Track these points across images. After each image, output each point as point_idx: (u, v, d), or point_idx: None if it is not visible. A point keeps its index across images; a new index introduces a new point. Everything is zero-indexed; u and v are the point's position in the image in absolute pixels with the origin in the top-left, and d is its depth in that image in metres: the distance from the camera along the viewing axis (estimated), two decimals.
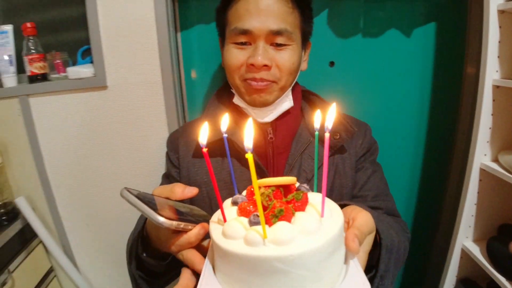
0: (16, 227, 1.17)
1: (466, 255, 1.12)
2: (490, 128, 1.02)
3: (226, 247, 0.43)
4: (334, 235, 0.43)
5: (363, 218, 0.55)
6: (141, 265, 0.70)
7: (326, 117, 0.50)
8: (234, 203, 0.51)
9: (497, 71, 0.99)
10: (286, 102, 0.86)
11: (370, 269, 0.61)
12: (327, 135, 0.48)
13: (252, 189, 0.52)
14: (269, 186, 0.49)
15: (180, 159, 0.92)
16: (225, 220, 0.48)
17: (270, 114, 0.85)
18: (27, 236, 1.21)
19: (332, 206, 0.50)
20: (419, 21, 1.15)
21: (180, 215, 0.54)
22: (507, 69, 0.99)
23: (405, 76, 1.21)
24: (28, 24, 1.10)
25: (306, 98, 0.96)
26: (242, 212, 0.48)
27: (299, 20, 0.81)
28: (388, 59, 1.19)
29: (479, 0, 1.01)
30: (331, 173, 0.87)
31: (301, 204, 0.48)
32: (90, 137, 1.19)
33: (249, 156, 0.41)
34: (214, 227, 0.48)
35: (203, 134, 0.51)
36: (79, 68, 1.14)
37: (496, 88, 0.99)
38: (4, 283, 1.06)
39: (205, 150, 0.48)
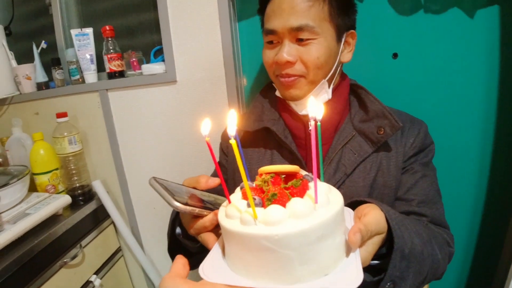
0: (91, 207, 1.31)
1: None
2: None
3: (225, 225, 0.49)
4: (324, 220, 0.45)
5: (374, 217, 0.56)
6: (179, 246, 0.78)
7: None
8: (241, 188, 0.56)
9: None
10: (323, 95, 0.85)
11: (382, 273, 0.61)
12: (312, 123, 0.50)
13: (260, 176, 0.55)
14: (270, 173, 0.54)
15: (228, 148, 0.99)
16: (229, 203, 0.53)
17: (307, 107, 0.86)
18: (100, 216, 1.34)
19: (334, 195, 0.52)
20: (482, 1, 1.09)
21: (203, 203, 0.60)
22: None
23: (469, 67, 1.14)
24: (107, 27, 1.24)
25: (354, 92, 0.93)
26: (244, 196, 0.52)
27: (327, 13, 0.79)
28: (451, 47, 1.14)
29: None
30: (374, 170, 0.83)
31: (299, 191, 0.51)
32: (160, 127, 1.30)
33: (233, 143, 0.47)
34: (221, 209, 0.54)
35: (204, 126, 0.56)
36: (152, 65, 1.26)
37: None
38: (75, 256, 1.18)
39: (207, 139, 0.54)
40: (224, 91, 1.23)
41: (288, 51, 0.79)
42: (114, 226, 1.39)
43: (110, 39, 1.24)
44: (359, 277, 0.45)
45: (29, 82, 1.37)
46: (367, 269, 0.57)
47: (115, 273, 1.39)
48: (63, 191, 1.29)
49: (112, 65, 1.26)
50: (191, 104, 1.27)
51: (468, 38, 1.13)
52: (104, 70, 1.30)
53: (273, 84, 0.91)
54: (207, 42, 1.20)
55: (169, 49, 1.22)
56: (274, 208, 0.46)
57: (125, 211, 1.40)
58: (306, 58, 0.79)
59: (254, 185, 0.54)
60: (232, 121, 0.52)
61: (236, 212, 0.49)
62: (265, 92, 0.99)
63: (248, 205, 0.49)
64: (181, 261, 0.50)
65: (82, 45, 1.26)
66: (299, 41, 0.79)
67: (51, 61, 1.33)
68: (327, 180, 0.76)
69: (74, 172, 1.28)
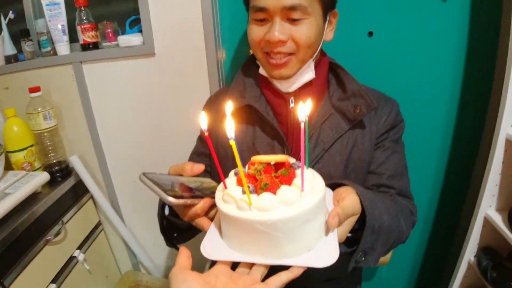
0: (69, 183, 1.30)
1: (488, 224, 1.17)
2: None
3: (223, 210, 0.56)
4: (309, 207, 0.54)
5: (350, 201, 0.65)
6: (170, 225, 0.83)
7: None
8: (236, 174, 0.63)
9: None
10: (308, 74, 0.88)
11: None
12: (302, 125, 0.56)
13: (252, 164, 0.63)
14: (262, 163, 0.61)
15: (210, 123, 0.99)
16: (226, 188, 0.60)
17: (293, 85, 0.87)
18: (79, 192, 1.34)
19: (317, 183, 0.60)
20: None
21: (190, 191, 0.65)
22: None
23: (440, 46, 1.22)
24: None
25: (332, 70, 0.96)
26: (239, 182, 0.59)
27: None
28: (423, 28, 1.20)
29: None
30: (349, 145, 0.89)
31: (288, 179, 0.58)
32: (139, 100, 1.29)
33: (232, 143, 0.53)
34: (218, 194, 0.60)
35: (203, 121, 0.61)
36: (129, 36, 1.22)
37: None
38: (58, 233, 1.19)
39: (206, 134, 0.60)
40: (204, 64, 1.23)
41: (280, 29, 0.79)
42: (93, 200, 1.39)
43: (83, 8, 1.19)
44: (336, 253, 0.55)
45: None
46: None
47: (97, 247, 1.41)
48: (39, 168, 1.27)
49: (86, 36, 1.22)
50: (171, 77, 1.26)
51: (441, 19, 1.19)
52: (76, 41, 1.25)
53: (256, 61, 0.91)
54: (187, 13, 1.18)
55: (146, 20, 1.19)
56: (267, 196, 0.54)
57: (103, 185, 1.40)
58: (298, 37, 0.80)
59: (247, 171, 0.61)
60: (229, 124, 0.55)
61: (232, 198, 0.56)
62: (246, 68, 0.99)
63: (243, 192, 0.56)
64: (185, 253, 0.55)
65: (53, 15, 1.20)
66: (292, 20, 0.79)
67: (20, 33, 1.26)
68: (308, 155, 0.80)
69: (50, 148, 1.25)
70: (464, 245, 1.26)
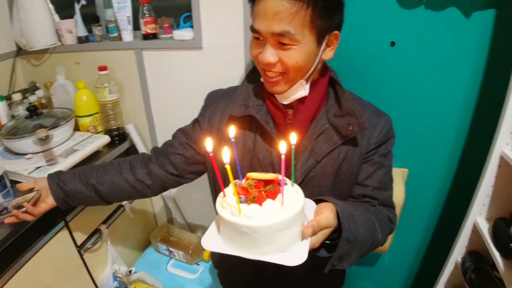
0: (124, 146, 1.57)
1: (476, 230, 1.29)
2: None
3: (220, 213, 0.74)
4: (286, 218, 0.69)
5: (326, 216, 0.80)
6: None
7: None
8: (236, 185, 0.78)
9: None
10: (300, 91, 0.94)
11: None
12: (283, 157, 0.72)
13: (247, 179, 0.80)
14: (254, 179, 0.77)
15: (213, 122, 1.05)
16: (224, 196, 0.77)
17: (288, 98, 0.95)
18: (131, 153, 1.61)
19: (297, 199, 0.75)
20: (480, 4, 1.20)
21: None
22: None
23: (459, 60, 1.30)
24: None
25: (332, 85, 1.01)
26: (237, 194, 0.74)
27: (309, 20, 0.82)
28: (445, 42, 1.28)
29: None
30: (340, 158, 0.96)
31: (273, 194, 0.74)
32: (186, 85, 1.52)
33: (228, 168, 0.70)
34: (218, 200, 0.77)
35: (208, 144, 0.75)
36: (182, 31, 1.43)
37: None
38: None
39: (211, 155, 0.74)
40: (242, 60, 1.42)
41: (269, 53, 0.86)
42: None
43: (146, 4, 1.41)
44: (305, 256, 0.71)
45: (70, 35, 1.56)
46: (324, 247, 0.88)
47: (141, 201, 1.72)
48: (101, 131, 1.55)
49: (147, 28, 1.45)
50: (213, 68, 1.46)
51: (462, 38, 1.26)
52: (138, 28, 1.48)
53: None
54: (231, 14, 1.35)
55: (197, 17, 1.38)
56: (253, 207, 0.71)
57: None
58: (286, 62, 0.86)
59: (243, 183, 0.79)
60: (226, 154, 0.73)
61: (227, 205, 0.74)
62: (251, 75, 1.04)
63: (240, 202, 0.72)
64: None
65: (121, 7, 1.44)
66: (281, 44, 0.85)
67: (91, 18, 1.53)
68: (301, 166, 0.96)
69: (111, 116, 1.53)
70: (453, 247, 1.38)
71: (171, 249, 1.67)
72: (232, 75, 1.46)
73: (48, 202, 1.07)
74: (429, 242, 1.69)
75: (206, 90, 1.47)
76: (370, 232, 0.91)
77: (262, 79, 0.98)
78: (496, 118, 1.30)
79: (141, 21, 1.44)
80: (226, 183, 0.79)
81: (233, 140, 0.81)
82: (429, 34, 1.29)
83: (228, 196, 0.75)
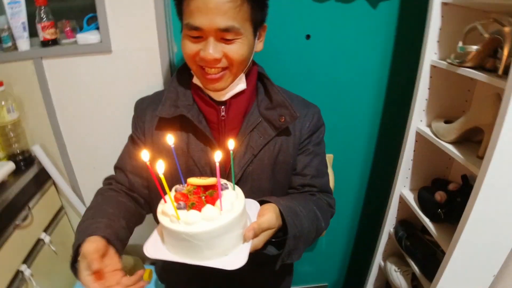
0: (33, 170, 1.38)
1: (403, 201, 1.40)
2: (426, 99, 1.26)
3: (161, 220, 0.73)
4: (224, 223, 0.70)
5: (267, 218, 0.82)
6: None
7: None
8: (176, 190, 0.79)
9: (435, 53, 1.21)
10: (240, 85, 0.95)
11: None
12: (217, 164, 0.73)
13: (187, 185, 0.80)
14: (194, 185, 0.77)
15: (145, 128, 1.01)
16: (165, 202, 0.76)
17: (226, 95, 0.95)
18: (41, 179, 1.43)
19: (238, 203, 0.75)
20: None
21: None
22: (443, 52, 1.21)
23: (370, 48, 1.40)
24: None
25: (261, 79, 1.03)
26: (176, 199, 0.74)
27: (249, 13, 0.84)
28: (355, 32, 1.37)
29: None
30: (276, 150, 0.99)
31: (213, 199, 0.74)
32: (97, 94, 1.38)
33: (162, 178, 0.68)
34: (159, 207, 0.76)
35: (144, 155, 0.73)
36: (87, 35, 1.30)
37: (433, 67, 1.22)
38: (25, 218, 1.27)
39: (147, 163, 0.73)
40: (158, 62, 1.35)
41: (214, 49, 0.84)
42: (55, 186, 1.49)
43: (43, 7, 1.25)
44: (245, 258, 0.72)
45: None
46: (273, 244, 0.89)
47: (61, 229, 1.51)
48: (3, 157, 1.34)
49: (46, 34, 1.29)
50: (126, 73, 1.36)
51: (371, 28, 1.36)
52: (36, 34, 1.31)
53: (191, 71, 0.97)
54: (141, 13, 1.27)
55: (103, 18, 1.27)
56: (192, 213, 0.70)
57: (65, 172, 1.49)
58: (232, 55, 0.86)
59: (184, 188, 0.78)
60: (160, 167, 0.70)
61: (167, 212, 0.73)
62: (180, 75, 1.02)
63: (178, 208, 0.72)
64: None
65: (14, 13, 1.25)
66: (225, 40, 0.85)
67: None
68: (239, 160, 0.97)
69: (13, 139, 1.33)
70: (384, 219, 1.48)
71: None
72: (147, 79, 1.38)
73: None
74: (359, 219, 1.79)
75: (120, 98, 1.40)
76: (314, 223, 0.95)
77: (195, 80, 0.97)
78: (405, 99, 1.42)
79: (39, 26, 1.28)
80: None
81: (172, 146, 0.80)
82: (341, 25, 1.37)
83: (168, 203, 0.74)
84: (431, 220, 1.24)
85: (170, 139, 0.80)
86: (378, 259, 1.56)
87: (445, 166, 1.40)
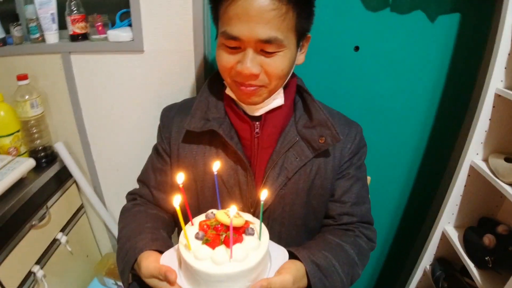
0: (54, 168, 1.33)
1: (445, 238, 1.27)
2: (486, 131, 1.12)
3: (179, 239, 0.70)
4: (230, 272, 0.64)
5: (282, 278, 0.71)
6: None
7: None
8: (206, 216, 0.77)
9: (501, 81, 1.07)
10: (277, 100, 0.86)
11: None
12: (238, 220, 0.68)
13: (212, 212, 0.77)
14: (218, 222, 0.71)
15: (171, 140, 0.94)
16: (192, 225, 0.74)
17: (260, 109, 0.86)
18: (62, 177, 1.38)
19: (255, 255, 0.67)
20: (445, 8, 1.17)
21: None
22: (510, 80, 1.06)
23: (422, 65, 1.26)
24: None
25: (299, 93, 0.94)
26: (200, 226, 0.73)
27: (294, 22, 0.75)
28: (409, 46, 1.23)
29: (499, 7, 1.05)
30: (313, 173, 0.89)
31: (234, 240, 0.68)
32: (125, 94, 1.31)
33: (178, 211, 0.65)
34: (187, 226, 0.73)
35: (180, 178, 0.72)
36: (119, 31, 1.22)
37: (497, 96, 1.07)
38: (42, 218, 1.23)
39: (180, 186, 0.71)
40: (192, 66, 1.25)
41: (253, 62, 0.75)
42: (77, 185, 1.44)
43: None
44: None
45: None
46: None
47: (79, 229, 1.47)
48: (25, 153, 1.30)
49: (76, 27, 1.22)
50: (158, 75, 1.27)
51: (426, 43, 1.22)
52: (65, 28, 1.24)
53: (224, 81, 0.88)
54: (178, 12, 1.17)
55: (137, 15, 1.18)
56: (203, 249, 0.66)
57: (87, 171, 1.44)
58: (271, 70, 0.77)
59: (213, 215, 0.73)
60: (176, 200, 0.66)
61: (183, 240, 0.69)
62: (212, 84, 0.94)
63: (196, 236, 0.69)
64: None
65: (43, 2, 1.19)
66: (264, 52, 0.75)
67: (9, 17, 1.25)
68: (272, 184, 0.87)
69: (36, 134, 1.28)
70: (421, 254, 1.36)
71: (119, 283, 1.46)
72: (180, 84, 1.28)
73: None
74: (388, 251, 1.66)
75: (149, 101, 1.31)
76: (349, 274, 0.86)
77: (228, 91, 0.88)
78: (458, 125, 1.29)
79: (68, 19, 1.20)
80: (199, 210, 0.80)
81: (215, 173, 0.78)
82: (394, 38, 1.23)
83: (191, 228, 0.73)
84: (477, 266, 1.11)
85: (216, 165, 0.77)
86: None
87: (495, 204, 1.26)
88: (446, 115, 1.32)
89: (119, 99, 1.32)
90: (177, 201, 0.65)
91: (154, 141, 1.02)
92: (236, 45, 0.76)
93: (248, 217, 0.77)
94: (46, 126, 1.33)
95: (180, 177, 0.72)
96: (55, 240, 1.31)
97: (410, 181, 1.47)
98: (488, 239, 1.11)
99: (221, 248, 0.66)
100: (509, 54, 1.04)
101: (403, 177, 1.46)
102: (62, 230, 1.35)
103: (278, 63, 0.77)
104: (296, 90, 0.93)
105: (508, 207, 1.22)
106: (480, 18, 1.16)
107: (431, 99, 1.31)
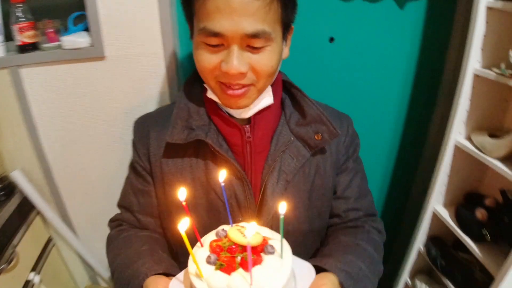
0: (15, 201, 1.15)
1: (436, 218, 1.31)
2: (467, 110, 1.15)
3: (188, 265, 0.62)
4: None
5: None
6: None
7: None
8: (217, 234, 0.67)
9: (478, 62, 1.09)
10: (266, 98, 0.81)
11: None
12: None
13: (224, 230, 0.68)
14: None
15: (151, 156, 0.85)
16: (202, 246, 0.66)
17: (249, 111, 0.80)
18: (24, 209, 1.20)
19: (277, 277, 0.58)
20: None
21: None
22: (487, 61, 1.09)
23: (393, 52, 1.27)
24: None
25: (287, 90, 0.89)
26: (211, 247, 0.64)
27: (279, 13, 0.70)
28: (381, 34, 1.24)
29: None
30: (312, 173, 0.85)
31: (252, 262, 0.59)
32: (88, 108, 1.17)
33: (184, 236, 0.55)
34: (195, 249, 0.64)
35: (181, 194, 0.63)
36: (74, 37, 1.08)
37: (476, 76, 1.10)
38: (11, 259, 1.05)
39: (184, 203, 0.63)
40: (162, 70, 1.15)
41: (239, 60, 0.69)
42: (41, 216, 1.27)
43: (19, 4, 1.02)
44: None
45: None
46: None
47: (52, 265, 1.29)
48: None
49: (24, 37, 1.05)
50: (124, 83, 1.15)
51: (397, 29, 1.23)
52: (11, 38, 1.07)
53: (204, 84, 0.82)
54: (141, 9, 1.06)
55: (94, 17, 1.05)
56: (217, 276, 0.58)
57: (52, 199, 1.27)
58: (260, 68, 0.71)
59: (225, 233, 0.65)
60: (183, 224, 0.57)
61: (192, 266, 0.60)
62: (189, 88, 0.86)
63: (207, 260, 0.61)
64: None
65: None
66: (251, 47, 0.69)
67: None
68: (272, 191, 0.80)
69: None
70: (414, 235, 1.38)
71: None
72: (150, 91, 1.18)
73: None
74: None
75: (116, 112, 1.19)
76: (375, 272, 0.83)
77: (209, 94, 0.81)
78: (431, 108, 1.32)
79: (15, 28, 1.04)
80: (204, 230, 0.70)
81: (223, 184, 0.69)
82: (366, 27, 1.23)
83: (199, 253, 0.63)
84: (474, 240, 1.15)
85: (222, 175, 0.70)
86: (405, 276, 1.46)
87: (477, 179, 1.31)
88: (419, 99, 1.35)
89: (81, 114, 1.17)
90: (183, 225, 0.56)
91: (124, 156, 0.92)
92: (219, 43, 0.69)
93: (265, 232, 0.69)
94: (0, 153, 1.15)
95: (182, 193, 0.63)
96: (27, 282, 1.13)
97: (389, 167, 1.50)
98: (480, 213, 1.15)
99: (239, 273, 0.58)
100: (484, 36, 1.07)
101: (382, 165, 1.49)
102: (33, 269, 1.18)
103: (267, 59, 0.71)
104: (282, 86, 0.88)
105: (490, 181, 1.27)
106: (446, 2, 1.20)
107: (404, 84, 1.34)
